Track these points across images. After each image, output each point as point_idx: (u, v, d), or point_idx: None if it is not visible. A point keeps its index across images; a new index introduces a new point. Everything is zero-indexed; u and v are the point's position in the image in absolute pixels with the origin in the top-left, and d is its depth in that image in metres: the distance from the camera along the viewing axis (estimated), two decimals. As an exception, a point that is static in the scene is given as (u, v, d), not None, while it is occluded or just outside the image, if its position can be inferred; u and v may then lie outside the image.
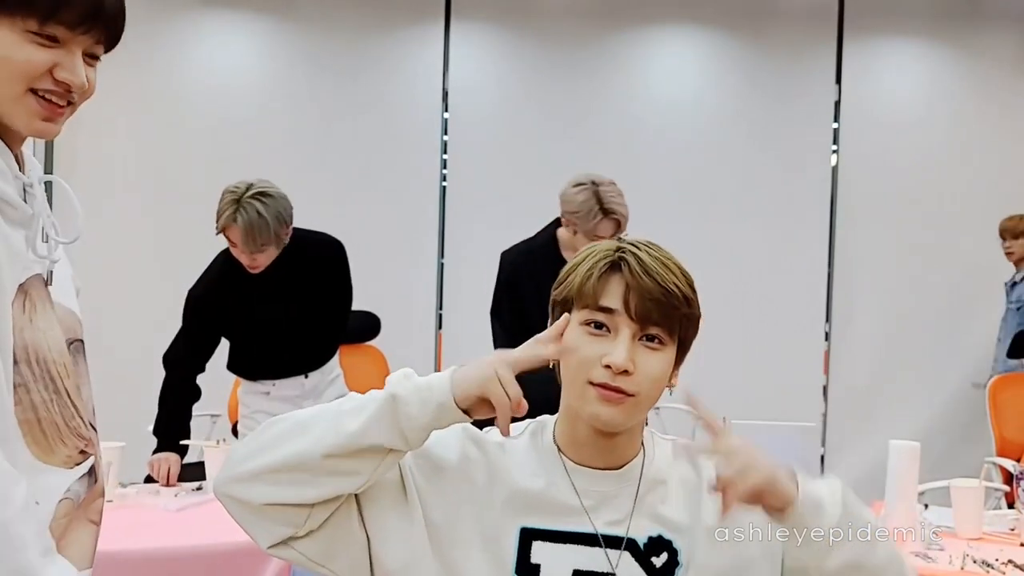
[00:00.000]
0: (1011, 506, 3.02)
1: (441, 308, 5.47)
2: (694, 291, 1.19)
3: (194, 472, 3.12)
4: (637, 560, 1.19)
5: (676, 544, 1.20)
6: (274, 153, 5.32)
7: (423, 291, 5.45)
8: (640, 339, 1.16)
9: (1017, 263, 4.88)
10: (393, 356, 4.54)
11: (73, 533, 1.19)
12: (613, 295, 1.16)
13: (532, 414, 1.31)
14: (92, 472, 1.23)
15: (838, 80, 5.55)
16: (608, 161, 5.43)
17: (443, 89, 5.52)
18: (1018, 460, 3.44)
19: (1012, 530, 2.45)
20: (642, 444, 1.26)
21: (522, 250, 3.33)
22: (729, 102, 5.55)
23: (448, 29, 5.50)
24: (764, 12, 5.55)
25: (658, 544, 1.20)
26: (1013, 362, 4.68)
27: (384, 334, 4.52)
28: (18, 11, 1.11)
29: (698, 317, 1.20)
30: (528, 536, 1.19)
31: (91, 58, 1.19)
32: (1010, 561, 2.15)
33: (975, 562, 2.15)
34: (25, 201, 1.18)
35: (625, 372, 1.13)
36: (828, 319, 5.58)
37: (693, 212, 5.33)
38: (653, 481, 1.23)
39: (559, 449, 1.23)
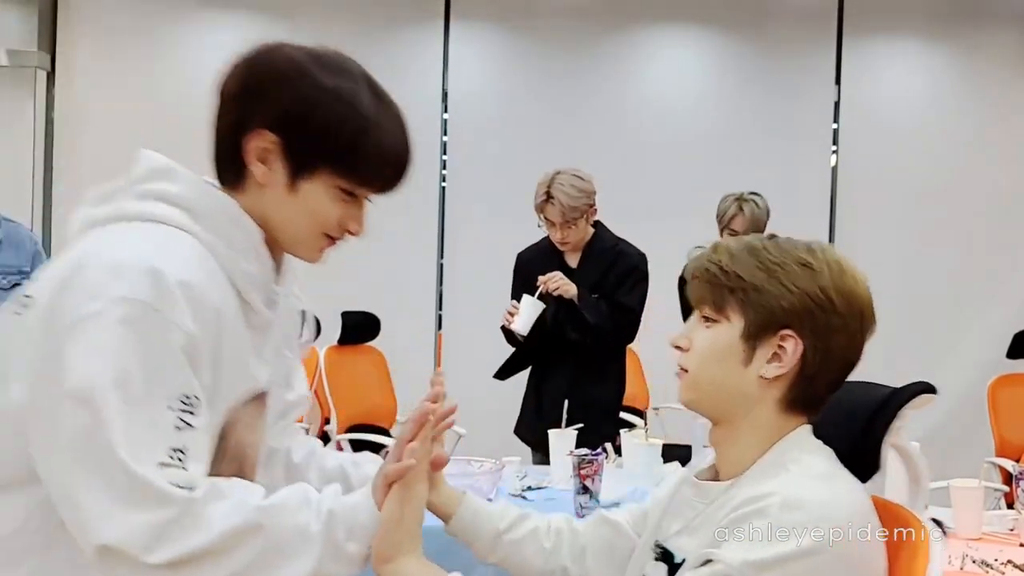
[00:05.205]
0: (1011, 506, 3.02)
1: (441, 309, 5.47)
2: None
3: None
4: None
5: None
6: (274, 153, 5.33)
7: (423, 291, 5.44)
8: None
9: None
10: (393, 356, 4.54)
11: None
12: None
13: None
14: None
15: (838, 80, 5.55)
16: (607, 160, 5.44)
17: (443, 89, 5.52)
18: (1018, 460, 3.45)
19: (1012, 530, 2.44)
20: None
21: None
22: (729, 102, 5.55)
23: (448, 29, 5.50)
24: (764, 12, 5.55)
25: None
26: None
27: (384, 334, 4.52)
28: (341, 172, 1.14)
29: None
30: None
31: None
32: (1009, 561, 2.15)
33: (974, 562, 2.14)
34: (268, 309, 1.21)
35: (679, 348, 1.26)
36: (828, 319, 5.57)
37: (693, 212, 5.32)
38: None
39: None
